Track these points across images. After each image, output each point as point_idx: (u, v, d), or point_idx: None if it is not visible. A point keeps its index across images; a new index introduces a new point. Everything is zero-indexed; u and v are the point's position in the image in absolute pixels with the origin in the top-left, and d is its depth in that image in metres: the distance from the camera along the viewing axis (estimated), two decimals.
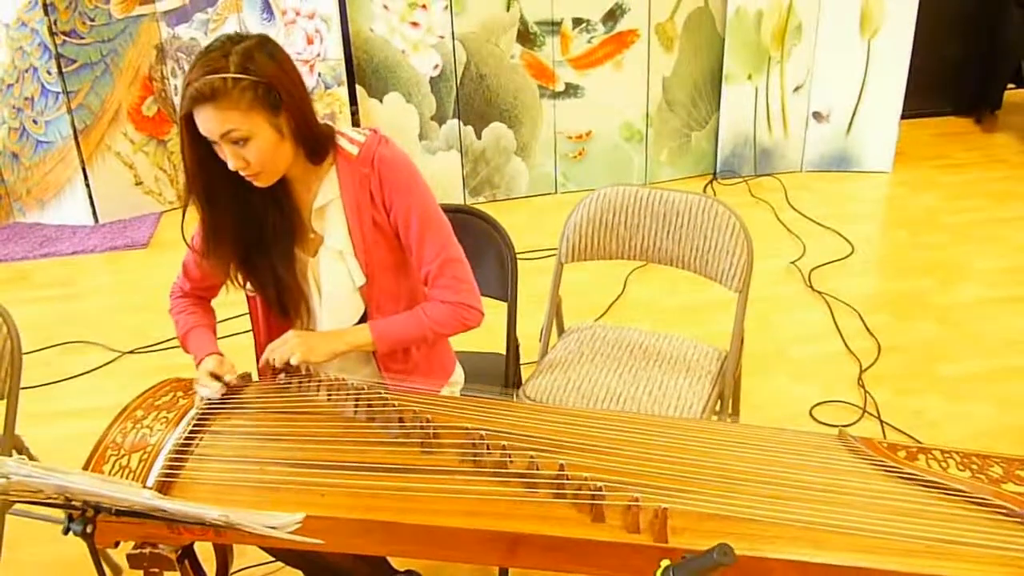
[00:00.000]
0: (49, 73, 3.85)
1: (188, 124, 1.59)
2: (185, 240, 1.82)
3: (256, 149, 1.60)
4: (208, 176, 1.65)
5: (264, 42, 1.61)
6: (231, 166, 1.60)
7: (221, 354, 1.76)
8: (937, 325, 3.23)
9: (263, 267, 1.77)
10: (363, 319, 1.83)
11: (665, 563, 1.05)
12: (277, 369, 1.73)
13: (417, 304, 1.83)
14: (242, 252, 1.75)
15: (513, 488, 1.42)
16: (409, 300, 1.86)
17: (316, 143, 1.70)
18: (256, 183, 1.66)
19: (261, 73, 1.57)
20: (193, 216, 1.71)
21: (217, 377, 1.69)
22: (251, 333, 1.92)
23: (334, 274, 1.79)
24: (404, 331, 1.79)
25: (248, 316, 1.91)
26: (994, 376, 2.95)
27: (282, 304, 1.81)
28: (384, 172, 1.73)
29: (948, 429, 2.72)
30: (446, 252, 1.77)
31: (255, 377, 1.81)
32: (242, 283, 1.80)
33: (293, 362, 1.70)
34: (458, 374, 2.03)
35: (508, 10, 3.98)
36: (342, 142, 1.74)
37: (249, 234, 1.74)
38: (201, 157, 1.63)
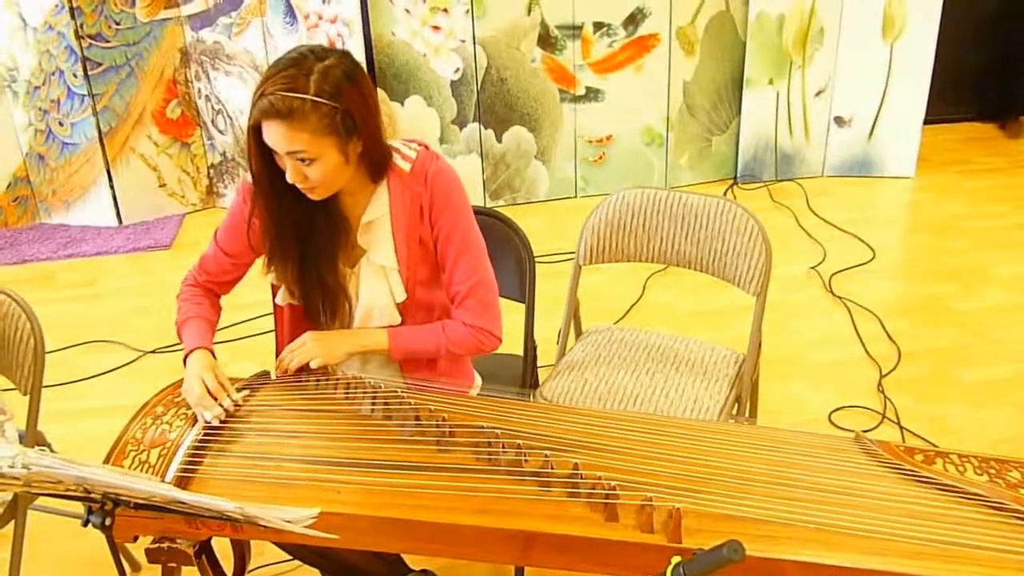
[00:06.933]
0: (75, 76, 3.90)
1: (256, 133, 1.58)
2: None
3: (319, 171, 1.60)
4: (273, 180, 1.65)
5: (346, 62, 1.59)
6: (288, 178, 1.61)
7: (212, 350, 1.74)
8: (958, 331, 3.20)
9: (310, 271, 1.77)
10: None
11: (676, 559, 1.05)
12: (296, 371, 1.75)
13: (448, 315, 1.84)
14: (301, 254, 1.75)
15: (527, 487, 1.43)
16: (442, 311, 1.87)
17: (380, 165, 1.71)
18: (310, 196, 1.66)
19: (341, 99, 1.55)
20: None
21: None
22: (274, 340, 1.94)
23: (374, 288, 1.79)
24: (420, 343, 1.80)
25: (273, 329, 1.93)
26: (1016, 383, 2.92)
27: (326, 310, 1.80)
28: (436, 189, 1.73)
29: (968, 435, 2.70)
30: (478, 275, 1.78)
31: (272, 375, 1.82)
32: (289, 287, 1.79)
33: (313, 366, 1.72)
34: (476, 382, 2.04)
35: (529, 14, 3.99)
36: (395, 158, 1.74)
37: (305, 238, 1.74)
38: (268, 163, 1.63)
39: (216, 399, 1.63)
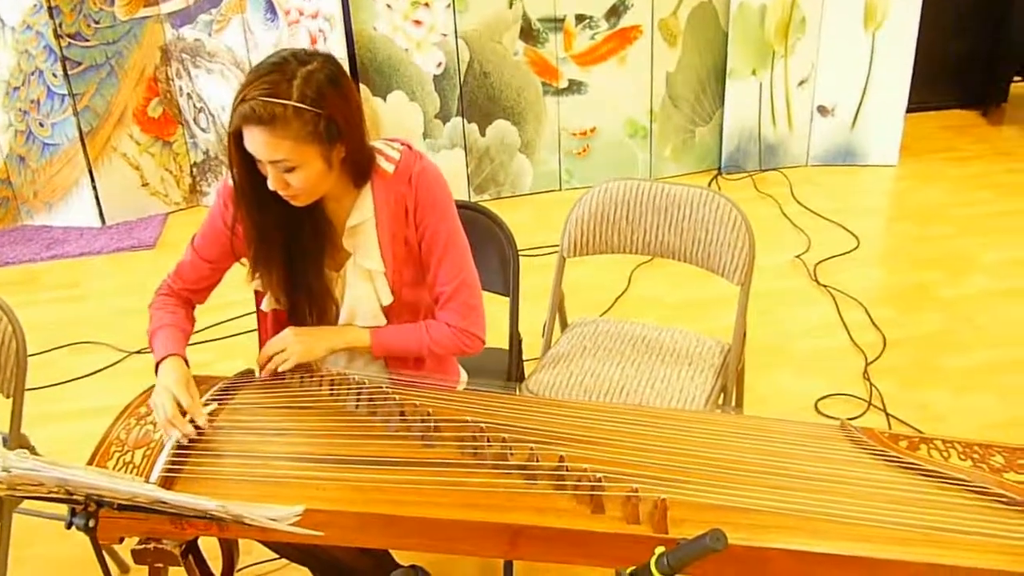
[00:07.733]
0: (55, 76, 3.87)
1: (237, 139, 1.56)
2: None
3: (302, 178, 1.57)
4: (256, 186, 1.62)
5: (329, 66, 1.57)
6: (270, 185, 1.58)
7: (185, 358, 1.70)
8: (943, 318, 3.22)
9: (296, 278, 1.75)
10: None
11: (660, 550, 1.05)
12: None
13: (433, 314, 1.83)
14: (286, 259, 1.73)
15: (513, 480, 1.43)
16: (427, 311, 1.86)
17: (364, 169, 1.69)
18: (292, 203, 1.64)
19: (325, 105, 1.53)
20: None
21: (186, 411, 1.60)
22: (257, 344, 1.92)
23: (360, 291, 1.78)
24: (402, 342, 1.79)
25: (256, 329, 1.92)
26: (1001, 368, 2.94)
27: (312, 315, 1.78)
28: (421, 189, 1.71)
29: (955, 422, 2.72)
30: (462, 276, 1.77)
31: (257, 374, 1.81)
32: (275, 293, 1.77)
33: (290, 365, 1.70)
34: (462, 378, 2.03)
35: (511, 7, 3.98)
36: (379, 160, 1.72)
37: (290, 242, 1.72)
38: (250, 169, 1.60)
39: (186, 417, 1.58)
